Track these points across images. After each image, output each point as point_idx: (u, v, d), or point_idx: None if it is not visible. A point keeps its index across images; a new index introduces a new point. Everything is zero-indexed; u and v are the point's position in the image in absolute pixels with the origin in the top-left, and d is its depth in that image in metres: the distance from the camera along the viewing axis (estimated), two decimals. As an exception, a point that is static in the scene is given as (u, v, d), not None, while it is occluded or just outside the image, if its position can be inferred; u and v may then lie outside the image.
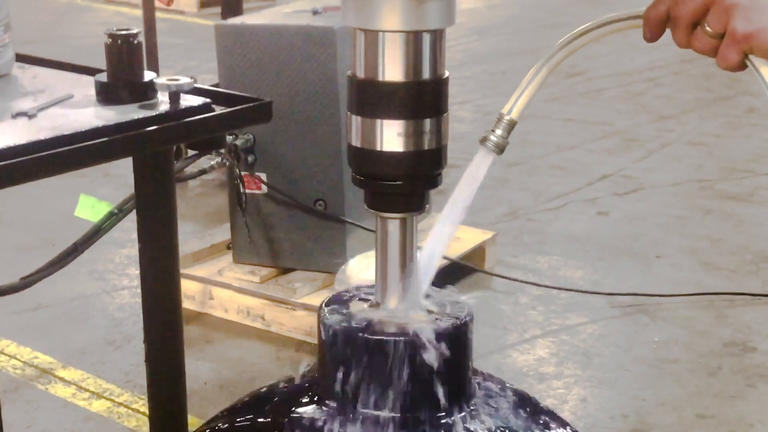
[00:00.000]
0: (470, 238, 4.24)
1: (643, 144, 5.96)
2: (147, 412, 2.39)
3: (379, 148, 1.33)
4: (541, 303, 4.04)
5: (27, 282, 2.45)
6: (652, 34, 1.26)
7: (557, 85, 7.13)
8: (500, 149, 1.33)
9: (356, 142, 1.34)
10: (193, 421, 2.77)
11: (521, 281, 4.17)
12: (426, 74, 1.32)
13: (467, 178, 1.34)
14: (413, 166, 1.34)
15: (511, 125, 1.33)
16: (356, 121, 1.34)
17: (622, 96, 6.94)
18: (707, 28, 1.20)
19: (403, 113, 1.32)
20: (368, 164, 1.35)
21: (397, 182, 1.34)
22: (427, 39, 1.31)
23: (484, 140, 1.33)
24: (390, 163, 1.33)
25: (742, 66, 1.21)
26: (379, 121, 1.32)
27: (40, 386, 3.47)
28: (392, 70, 1.31)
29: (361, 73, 1.33)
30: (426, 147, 1.34)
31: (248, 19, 3.86)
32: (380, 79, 1.31)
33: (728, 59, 1.20)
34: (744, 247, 4.51)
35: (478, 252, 4.24)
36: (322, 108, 3.64)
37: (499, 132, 1.33)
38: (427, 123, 1.33)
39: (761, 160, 5.59)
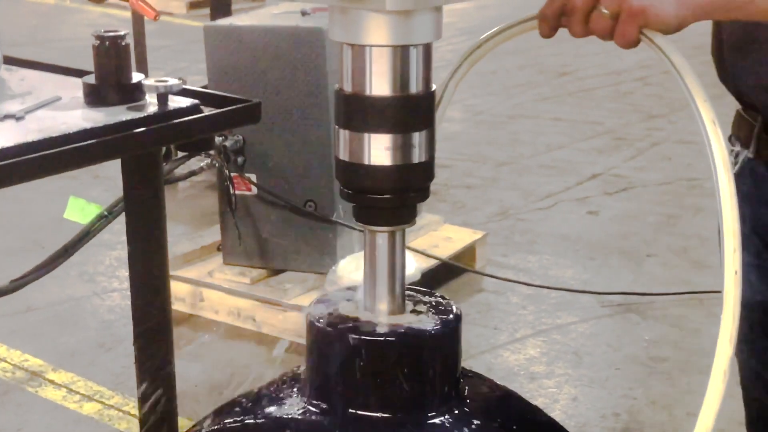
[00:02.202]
0: (461, 238, 4.24)
1: (633, 143, 5.97)
2: (137, 414, 2.39)
3: (367, 162, 1.32)
4: (531, 302, 4.05)
5: (17, 285, 2.45)
6: (549, 29, 1.32)
7: (547, 85, 7.14)
8: None
9: (344, 156, 1.34)
10: (184, 423, 2.77)
11: (512, 281, 4.17)
12: (413, 88, 1.32)
13: None
14: (401, 180, 1.34)
15: None
16: (344, 135, 1.34)
17: (611, 95, 6.96)
18: (603, 11, 1.26)
19: (391, 127, 1.31)
20: (356, 178, 1.34)
21: (386, 196, 1.34)
22: (414, 53, 1.31)
23: None
24: (378, 177, 1.33)
25: (638, 41, 1.27)
26: (366, 135, 1.32)
27: (30, 389, 3.46)
28: (380, 84, 1.31)
29: (348, 88, 1.33)
30: (414, 160, 1.33)
31: (237, 20, 3.86)
32: (368, 93, 1.31)
33: (626, 35, 1.26)
34: (734, 245, 4.51)
35: (469, 252, 4.24)
36: (312, 108, 3.64)
37: None
38: (415, 136, 1.33)
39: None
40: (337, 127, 1.35)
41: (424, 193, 1.37)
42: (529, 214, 4.94)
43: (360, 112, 1.32)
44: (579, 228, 4.77)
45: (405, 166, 1.33)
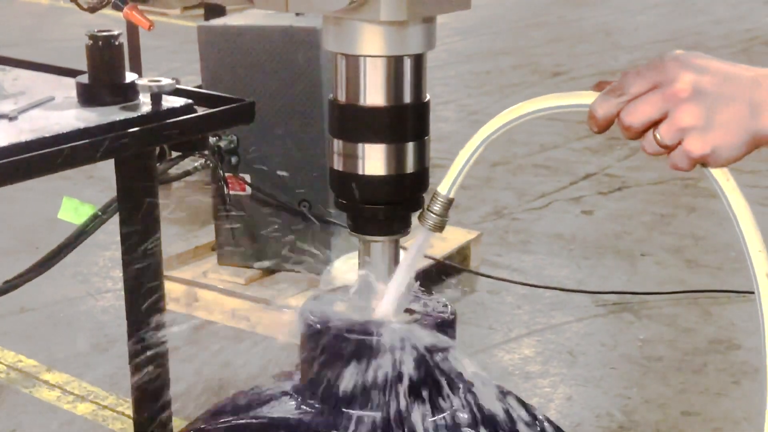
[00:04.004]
0: (455, 237, 4.23)
1: (627, 143, 5.96)
2: (132, 414, 2.39)
3: (361, 172, 1.32)
4: (526, 302, 4.04)
5: (11, 285, 2.45)
6: (600, 129, 1.21)
7: (540, 85, 7.14)
8: (440, 227, 1.31)
9: (338, 166, 1.34)
10: (178, 423, 2.76)
11: (506, 280, 4.17)
12: (407, 98, 1.32)
13: (409, 256, 1.33)
14: (395, 190, 1.34)
15: (449, 203, 1.30)
16: (338, 145, 1.34)
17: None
18: (659, 137, 1.16)
19: (384, 137, 1.31)
20: (350, 188, 1.34)
21: (380, 206, 1.34)
22: (408, 63, 1.31)
23: (421, 218, 1.30)
24: (372, 187, 1.33)
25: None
26: (360, 145, 1.32)
27: (24, 390, 3.46)
28: (374, 94, 1.31)
29: (342, 98, 1.33)
30: (408, 170, 1.33)
31: (231, 20, 3.85)
32: (362, 103, 1.31)
33: (679, 168, 1.18)
34: (728, 244, 4.52)
35: (464, 251, 4.24)
36: (306, 108, 3.64)
37: (436, 209, 1.30)
38: (409, 147, 1.33)
39: (745, 158, 5.60)
40: (330, 136, 1.35)
41: (417, 203, 1.37)
42: (524, 213, 4.94)
43: (354, 122, 1.32)
44: (573, 227, 4.77)
45: (398, 176, 1.33)
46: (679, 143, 1.16)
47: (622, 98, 1.18)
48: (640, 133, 1.18)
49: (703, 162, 1.17)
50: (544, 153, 5.78)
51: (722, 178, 1.20)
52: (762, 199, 5.07)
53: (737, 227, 1.19)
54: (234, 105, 2.06)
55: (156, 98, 1.95)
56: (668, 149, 1.17)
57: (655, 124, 1.16)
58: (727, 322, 3.85)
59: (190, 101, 2.01)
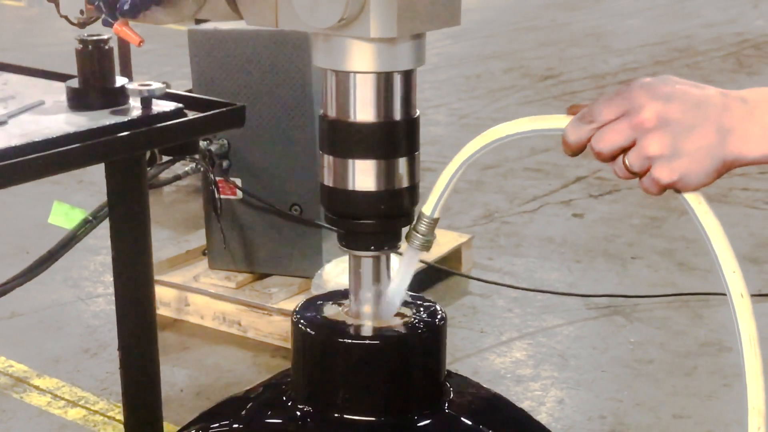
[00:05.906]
0: (446, 241, 4.24)
1: (618, 146, 5.97)
2: (123, 419, 2.38)
3: (351, 188, 1.33)
4: (517, 305, 4.05)
5: (1, 290, 2.44)
6: (573, 154, 1.25)
7: (531, 88, 7.15)
8: (427, 247, 1.34)
9: (328, 181, 1.35)
10: (169, 429, 2.76)
11: (498, 284, 4.17)
12: (397, 114, 1.33)
13: (399, 273, 1.36)
14: (385, 206, 1.34)
15: (434, 223, 1.33)
16: (328, 160, 1.34)
17: (596, 98, 6.96)
18: (628, 164, 1.19)
19: (374, 153, 1.32)
20: (341, 204, 1.35)
21: (370, 221, 1.35)
22: (398, 79, 1.32)
23: (408, 239, 1.34)
24: (362, 203, 1.33)
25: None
26: (351, 161, 1.32)
27: (14, 395, 3.45)
28: (363, 110, 1.31)
29: (332, 114, 1.33)
30: (398, 186, 1.34)
31: (221, 24, 3.85)
32: (351, 119, 1.31)
33: (650, 192, 1.21)
34: (719, 247, 4.51)
35: (455, 255, 4.24)
36: (297, 112, 3.64)
37: (422, 229, 1.33)
38: (399, 162, 1.33)
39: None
40: (320, 152, 1.36)
41: (407, 218, 1.37)
42: (515, 217, 4.95)
43: (343, 138, 1.32)
44: (564, 231, 4.78)
45: (389, 192, 1.33)
46: (648, 169, 1.18)
47: (592, 125, 1.21)
48: (611, 158, 1.21)
49: (673, 188, 1.20)
50: (535, 156, 5.79)
51: (694, 201, 1.23)
52: (752, 202, 5.08)
53: (711, 249, 1.22)
54: (225, 109, 2.06)
55: (146, 102, 1.95)
56: (638, 175, 1.20)
57: (624, 150, 1.19)
58: (717, 324, 3.86)
59: (180, 105, 2.01)
